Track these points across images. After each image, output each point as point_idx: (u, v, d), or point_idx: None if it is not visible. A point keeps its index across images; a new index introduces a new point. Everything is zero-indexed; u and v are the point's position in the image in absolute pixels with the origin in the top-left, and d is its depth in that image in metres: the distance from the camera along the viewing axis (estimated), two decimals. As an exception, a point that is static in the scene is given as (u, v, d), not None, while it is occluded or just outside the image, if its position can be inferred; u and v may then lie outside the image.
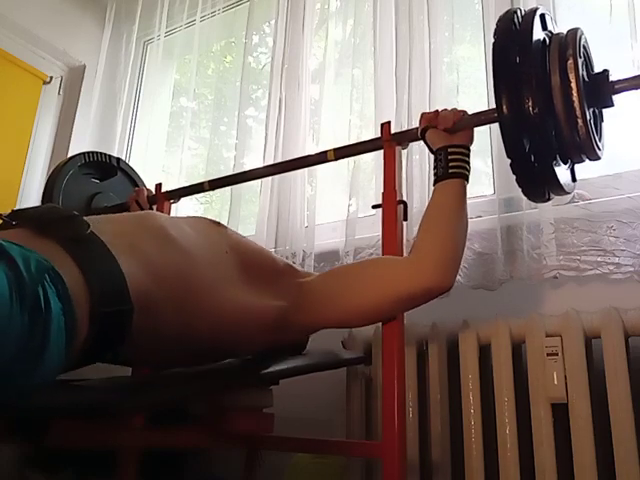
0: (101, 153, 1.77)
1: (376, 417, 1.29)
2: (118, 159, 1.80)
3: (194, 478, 1.56)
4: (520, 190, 1.07)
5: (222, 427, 1.00)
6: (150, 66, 2.48)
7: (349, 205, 1.61)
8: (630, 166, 1.34)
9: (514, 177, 1.03)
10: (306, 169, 1.72)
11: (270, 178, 1.78)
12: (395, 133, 1.24)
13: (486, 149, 1.54)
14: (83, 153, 1.72)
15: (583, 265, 1.26)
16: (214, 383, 0.97)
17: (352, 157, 1.64)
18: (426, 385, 1.27)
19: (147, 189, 1.66)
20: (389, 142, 1.22)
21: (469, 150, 1.10)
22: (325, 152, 1.33)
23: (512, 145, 0.98)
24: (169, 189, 1.63)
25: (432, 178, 1.11)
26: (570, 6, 1.57)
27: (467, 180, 1.08)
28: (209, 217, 1.11)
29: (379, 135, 1.24)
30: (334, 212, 1.74)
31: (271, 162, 1.79)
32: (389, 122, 1.24)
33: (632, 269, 1.20)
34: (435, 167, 1.10)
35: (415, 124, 1.39)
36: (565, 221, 1.30)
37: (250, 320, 0.95)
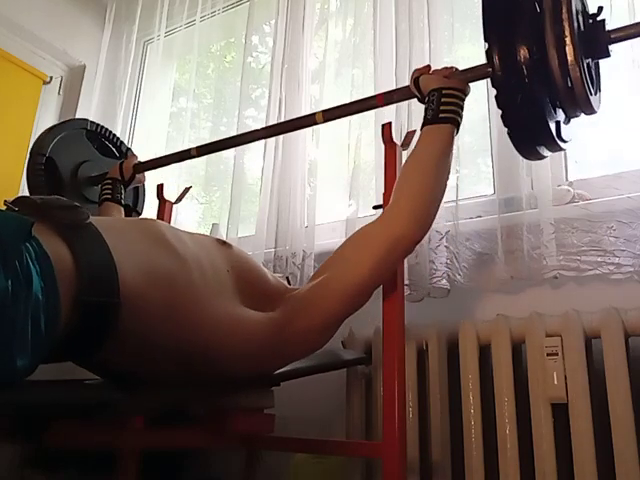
0: (114, 134, 1.78)
1: (376, 417, 1.29)
2: (128, 148, 1.81)
3: (194, 478, 1.56)
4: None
5: (222, 427, 1.00)
6: (150, 66, 2.48)
7: (349, 205, 1.62)
8: (630, 166, 1.34)
9: (506, 130, 0.98)
10: (306, 170, 1.73)
11: (270, 178, 1.78)
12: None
13: (486, 149, 1.54)
14: (96, 123, 1.72)
15: (583, 265, 1.25)
16: (215, 384, 0.97)
17: (352, 157, 1.65)
18: (426, 385, 1.27)
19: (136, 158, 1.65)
20: (390, 143, 1.22)
21: (465, 96, 1.06)
22: (314, 114, 1.32)
23: (504, 98, 0.95)
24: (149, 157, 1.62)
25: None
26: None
27: (457, 128, 1.03)
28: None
29: (379, 136, 1.24)
30: (334, 212, 1.74)
31: (271, 162, 1.80)
32: (390, 123, 1.23)
33: (632, 269, 1.20)
34: (425, 109, 1.06)
35: (415, 125, 1.39)
36: (565, 221, 1.30)
37: (247, 334, 0.91)
